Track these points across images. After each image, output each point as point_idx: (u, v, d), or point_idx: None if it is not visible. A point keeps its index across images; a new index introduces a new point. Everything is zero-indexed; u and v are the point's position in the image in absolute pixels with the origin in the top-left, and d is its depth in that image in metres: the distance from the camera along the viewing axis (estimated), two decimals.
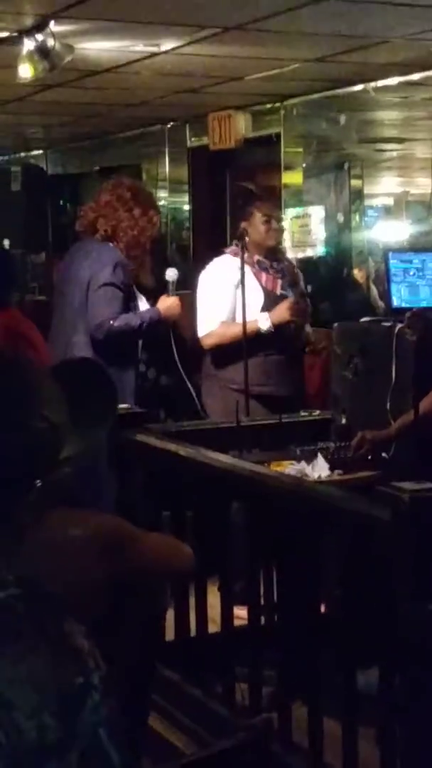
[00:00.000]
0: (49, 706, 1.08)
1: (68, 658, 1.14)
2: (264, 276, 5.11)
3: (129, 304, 4.77)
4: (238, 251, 5.06)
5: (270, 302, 5.04)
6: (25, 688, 1.08)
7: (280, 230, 5.39)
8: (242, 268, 4.88)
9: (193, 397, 4.92)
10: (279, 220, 5.34)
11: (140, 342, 4.93)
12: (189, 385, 4.91)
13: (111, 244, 4.86)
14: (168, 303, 4.88)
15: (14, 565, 1.20)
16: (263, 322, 4.93)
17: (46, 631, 1.14)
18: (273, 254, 5.21)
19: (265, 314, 4.96)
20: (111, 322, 4.64)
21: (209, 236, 8.73)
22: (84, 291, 4.72)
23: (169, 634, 3.72)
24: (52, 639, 1.14)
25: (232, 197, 8.46)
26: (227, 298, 5.02)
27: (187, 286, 5.19)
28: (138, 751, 2.55)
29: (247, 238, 5.05)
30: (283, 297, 5.08)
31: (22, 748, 1.06)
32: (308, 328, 5.23)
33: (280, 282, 5.15)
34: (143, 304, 4.93)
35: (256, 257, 5.10)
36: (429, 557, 2.66)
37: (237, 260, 5.01)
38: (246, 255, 4.96)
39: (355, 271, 9.05)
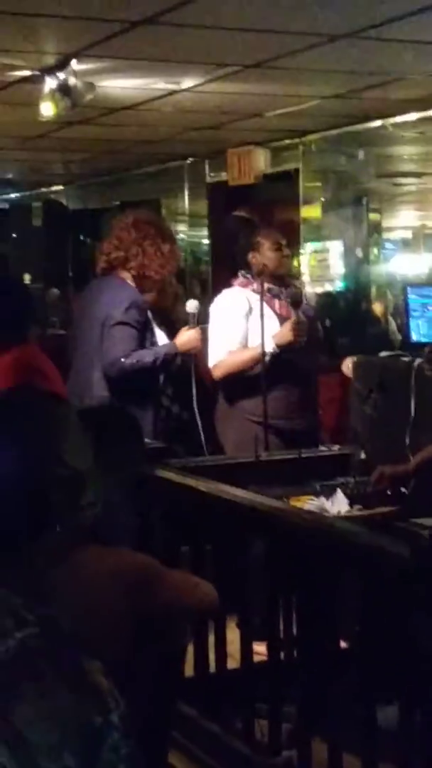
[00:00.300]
0: (69, 746, 1.08)
1: (87, 697, 1.14)
2: (277, 303, 5.09)
3: (145, 343, 4.74)
4: (246, 282, 5.07)
5: None
6: (45, 728, 1.08)
7: (290, 256, 5.38)
8: (261, 300, 4.87)
9: (200, 431, 4.87)
10: (286, 246, 5.32)
11: (161, 378, 4.88)
12: (198, 419, 4.85)
13: (128, 282, 4.82)
14: (187, 336, 4.80)
15: (35, 605, 1.21)
16: (268, 344, 4.92)
17: (65, 670, 1.14)
18: (281, 281, 5.20)
19: (269, 337, 4.96)
20: (122, 360, 4.61)
21: (228, 270, 8.75)
22: (100, 329, 4.71)
23: (188, 670, 3.71)
24: (71, 678, 1.14)
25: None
26: (237, 328, 5.00)
27: (205, 319, 5.18)
28: None
29: (257, 267, 5.05)
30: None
31: None
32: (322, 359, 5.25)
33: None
34: (162, 339, 4.90)
35: (266, 285, 5.07)
36: None
37: (246, 291, 5.02)
38: (256, 285, 4.96)
39: (374, 305, 9.06)
